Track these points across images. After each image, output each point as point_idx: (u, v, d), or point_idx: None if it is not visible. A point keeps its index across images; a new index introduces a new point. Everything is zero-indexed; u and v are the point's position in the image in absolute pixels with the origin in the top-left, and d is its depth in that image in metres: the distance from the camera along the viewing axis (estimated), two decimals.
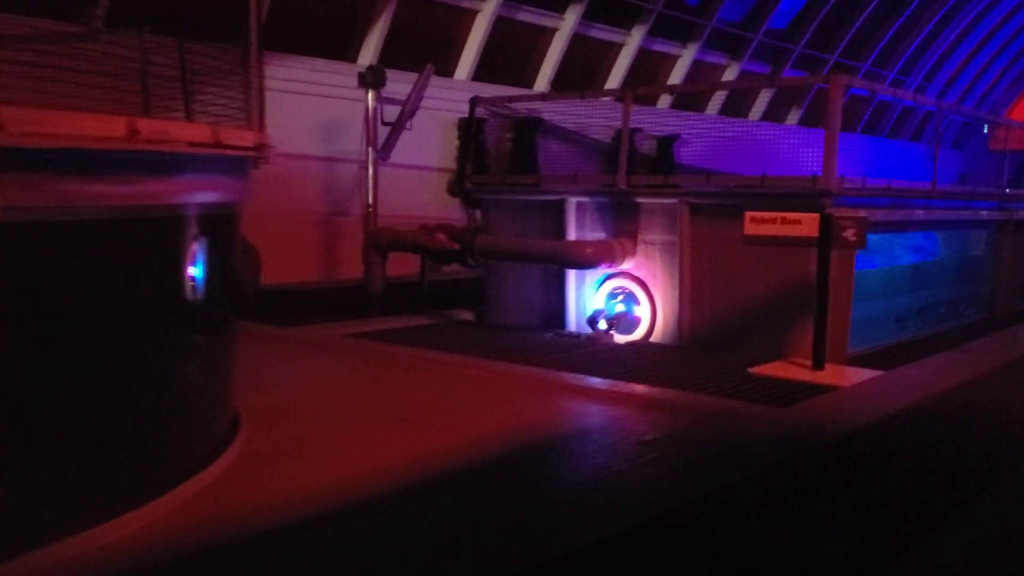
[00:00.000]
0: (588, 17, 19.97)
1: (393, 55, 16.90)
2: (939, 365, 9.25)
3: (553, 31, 20.02)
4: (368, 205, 12.91)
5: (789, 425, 6.84)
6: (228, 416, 5.96)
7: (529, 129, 11.97)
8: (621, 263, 10.29)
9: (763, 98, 26.46)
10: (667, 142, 15.09)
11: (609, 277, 10.57)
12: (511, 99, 11.90)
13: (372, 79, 13.60)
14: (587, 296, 10.79)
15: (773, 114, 28.47)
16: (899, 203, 10.42)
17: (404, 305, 11.82)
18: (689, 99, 22.73)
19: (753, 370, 8.70)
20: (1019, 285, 13.82)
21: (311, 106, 15.16)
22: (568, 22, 19.76)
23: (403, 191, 14.81)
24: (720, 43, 24.48)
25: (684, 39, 23.22)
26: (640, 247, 10.32)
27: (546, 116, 12.08)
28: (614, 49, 21.59)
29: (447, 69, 18.16)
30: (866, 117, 30.93)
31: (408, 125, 14.01)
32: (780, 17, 25.98)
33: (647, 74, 22.71)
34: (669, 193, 10.06)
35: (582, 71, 20.93)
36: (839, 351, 9.32)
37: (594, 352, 9.56)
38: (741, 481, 5.58)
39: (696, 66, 23.85)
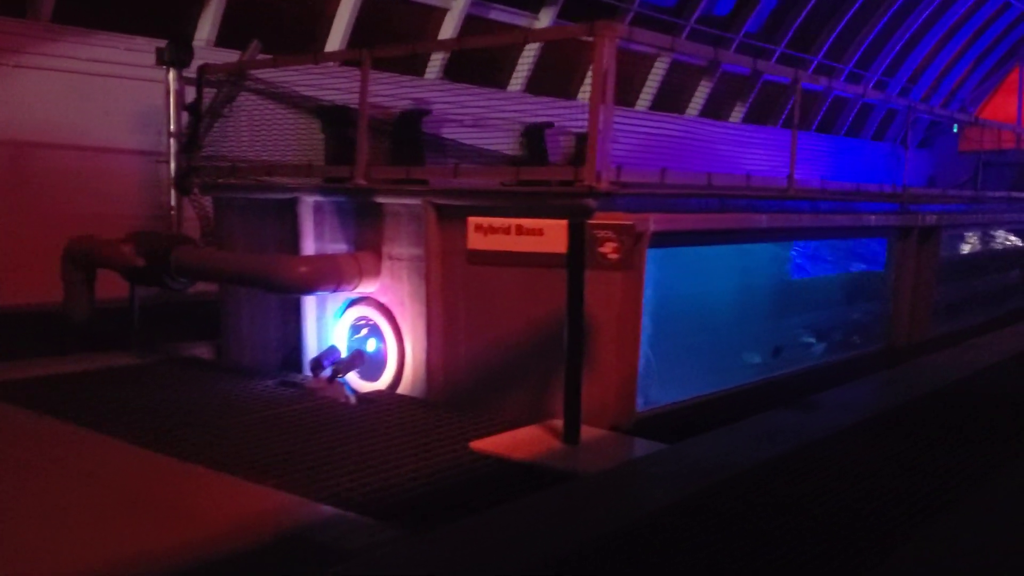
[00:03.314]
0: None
1: (241, 33, 13.98)
2: (754, 433, 6.62)
3: (444, 11, 17.00)
4: (171, 207, 10.20)
5: None
6: None
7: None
8: (358, 285, 7.65)
9: (702, 92, 23.86)
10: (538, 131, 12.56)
11: (353, 303, 7.94)
12: (242, 65, 9.23)
13: (173, 56, 10.91)
14: (330, 329, 8.16)
15: (715, 110, 25.91)
16: (732, 206, 7.82)
17: (140, 334, 9.18)
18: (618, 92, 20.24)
19: (476, 444, 6.07)
20: (929, 308, 11.21)
21: (122, 90, 12.48)
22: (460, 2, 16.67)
23: None
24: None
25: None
26: (385, 264, 7.69)
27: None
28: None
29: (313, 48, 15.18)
30: (821, 114, 28.35)
31: (226, 112, 11.35)
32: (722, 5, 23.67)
33: (622, 75, 20.26)
34: (412, 192, 7.43)
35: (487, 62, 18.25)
36: (622, 412, 6.74)
37: (292, 414, 6.91)
38: None
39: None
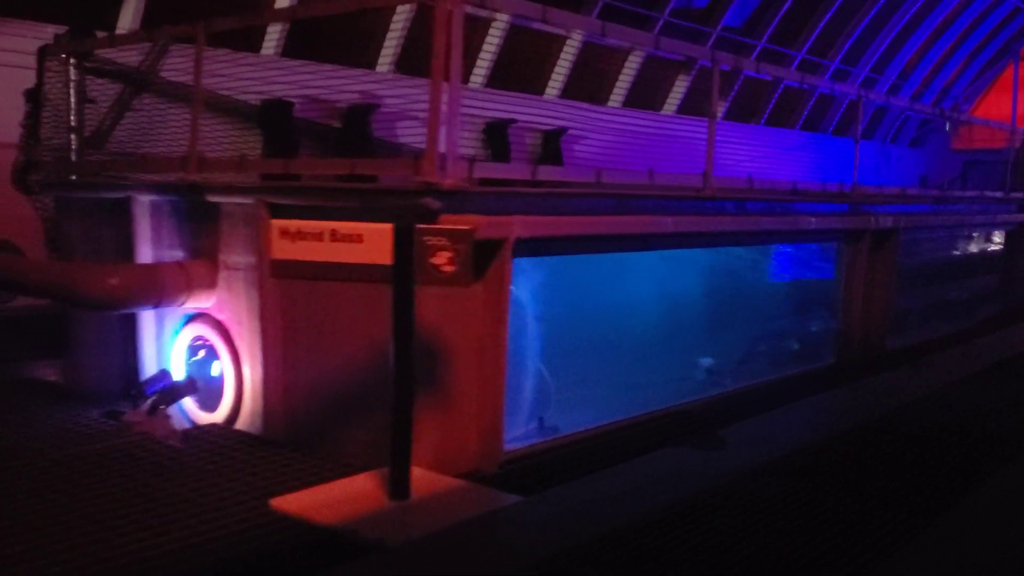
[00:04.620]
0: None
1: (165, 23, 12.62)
2: (639, 479, 5.48)
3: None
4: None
5: None
6: None
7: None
8: (187, 299, 6.50)
9: (679, 88, 22.65)
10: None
11: (191, 320, 6.79)
12: (88, 45, 8.02)
13: (71, 45, 9.74)
14: (168, 350, 7.01)
15: (694, 106, 24.67)
16: (633, 207, 6.67)
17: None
18: (588, 87, 19.20)
19: (279, 502, 4.92)
20: (885, 319, 10.07)
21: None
22: None
23: None
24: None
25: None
26: (222, 274, 6.54)
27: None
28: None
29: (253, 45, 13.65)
30: (806, 112, 27.12)
31: (135, 105, 10.17)
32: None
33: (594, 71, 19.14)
34: (245, 189, 6.28)
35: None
36: (484, 454, 5.62)
37: (88, 455, 5.75)
38: None
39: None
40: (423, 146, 5.20)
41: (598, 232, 6.24)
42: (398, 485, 4.89)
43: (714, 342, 8.67)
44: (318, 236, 4.87)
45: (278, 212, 6.02)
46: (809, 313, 9.98)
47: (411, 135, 8.41)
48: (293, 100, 7.77)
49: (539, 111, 14.25)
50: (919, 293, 12.06)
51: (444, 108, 5.09)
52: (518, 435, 6.93)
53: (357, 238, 4.83)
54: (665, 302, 8.57)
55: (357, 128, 8.44)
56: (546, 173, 6.10)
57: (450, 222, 5.12)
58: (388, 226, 4.78)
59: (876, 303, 9.95)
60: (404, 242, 4.77)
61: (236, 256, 6.40)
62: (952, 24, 29.03)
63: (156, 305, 6.36)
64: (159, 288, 6.28)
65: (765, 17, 23.28)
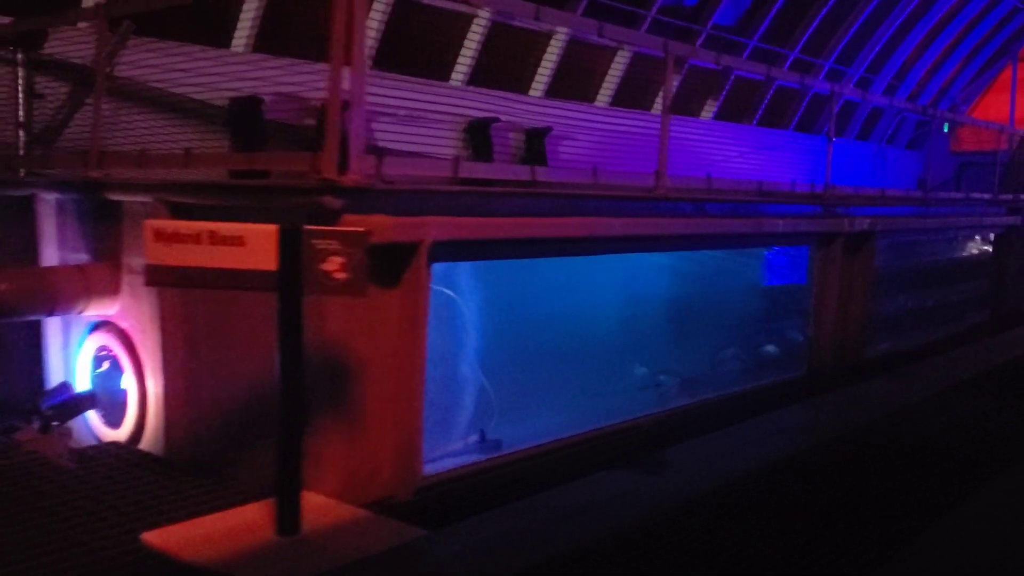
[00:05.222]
0: None
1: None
2: (565, 507, 4.95)
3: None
4: None
5: None
6: None
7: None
8: (86, 306, 5.96)
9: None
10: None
11: (96, 328, 6.26)
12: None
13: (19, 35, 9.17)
14: (75, 360, 6.48)
15: (683, 106, 24.07)
16: (576, 208, 6.14)
17: None
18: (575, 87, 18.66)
19: (151, 536, 4.38)
20: (861, 327, 9.53)
21: None
22: None
23: None
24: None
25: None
26: (126, 279, 6.01)
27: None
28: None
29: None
30: (799, 112, 26.51)
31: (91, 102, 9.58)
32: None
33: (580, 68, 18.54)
34: (144, 186, 5.74)
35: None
36: (398, 479, 5.12)
37: None
38: None
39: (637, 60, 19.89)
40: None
41: (532, 235, 5.70)
42: (286, 518, 4.35)
43: (675, 351, 8.15)
44: (195, 238, 4.33)
45: (179, 212, 5.51)
46: (780, 321, 9.45)
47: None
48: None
49: (524, 109, 13.72)
50: (902, 299, 11.55)
51: (349, 97, 4.55)
52: (455, 450, 6.47)
53: (238, 241, 4.29)
54: (623, 308, 8.06)
55: (248, 119, 7.81)
56: (472, 170, 5.57)
57: (354, 224, 4.59)
58: (271, 228, 4.24)
59: (852, 310, 9.41)
60: (291, 246, 4.23)
61: (139, 259, 5.86)
62: (949, 24, 28.43)
63: (50, 313, 5.83)
64: (53, 294, 5.75)
65: (757, 15, 22.72)
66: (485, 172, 5.74)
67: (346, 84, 4.60)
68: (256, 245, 4.29)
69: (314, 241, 4.23)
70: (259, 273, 4.29)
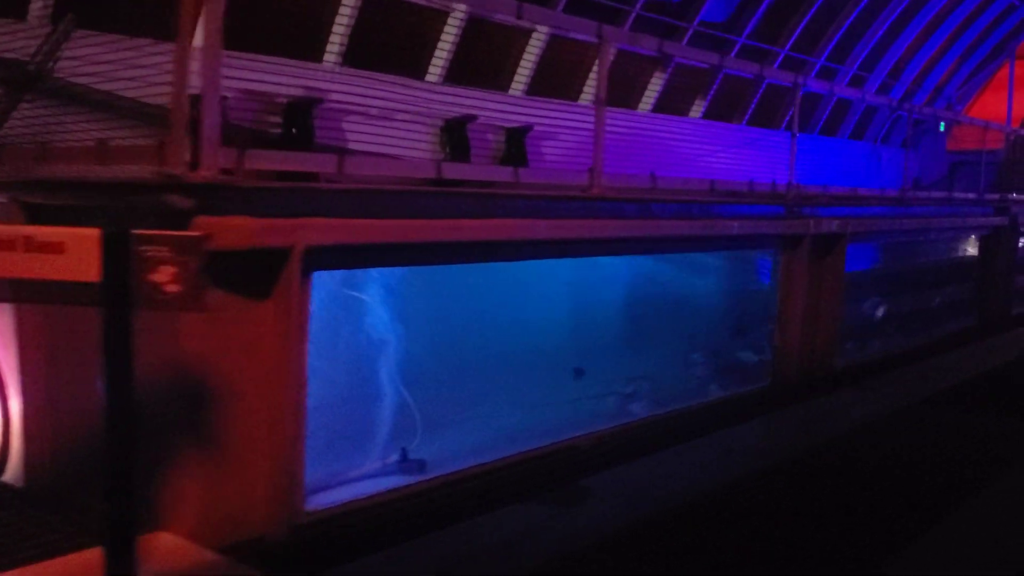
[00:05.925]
0: None
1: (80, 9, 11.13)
2: (458, 549, 4.33)
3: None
4: None
5: None
6: None
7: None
8: None
9: (655, 86, 21.45)
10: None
11: None
12: None
13: None
14: None
15: (671, 105, 23.42)
16: (494, 208, 5.52)
17: None
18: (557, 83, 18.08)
19: None
20: (831, 335, 8.91)
21: None
22: None
23: None
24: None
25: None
26: None
27: None
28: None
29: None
30: (790, 112, 25.81)
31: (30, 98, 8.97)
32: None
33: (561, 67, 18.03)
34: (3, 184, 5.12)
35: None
36: (274, 516, 4.50)
37: None
38: None
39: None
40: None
41: (436, 239, 5.08)
42: (115, 565, 3.74)
43: (622, 362, 7.55)
44: (11, 245, 3.72)
45: (37, 215, 4.89)
46: (743, 328, 8.84)
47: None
48: None
49: (502, 108, 13.08)
50: (880, 304, 10.95)
51: (203, 80, 3.94)
52: (371, 470, 5.90)
53: (58, 247, 3.68)
54: (567, 315, 7.47)
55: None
56: (357, 166, 4.94)
57: (207, 226, 3.98)
58: (93, 232, 3.63)
59: (822, 317, 8.79)
60: (116, 253, 3.62)
61: None
62: (944, 21, 27.81)
63: None
64: None
65: (746, 12, 22.06)
66: (372, 168, 5.11)
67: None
68: (77, 252, 3.68)
69: (142, 248, 3.62)
70: (79, 286, 3.69)
